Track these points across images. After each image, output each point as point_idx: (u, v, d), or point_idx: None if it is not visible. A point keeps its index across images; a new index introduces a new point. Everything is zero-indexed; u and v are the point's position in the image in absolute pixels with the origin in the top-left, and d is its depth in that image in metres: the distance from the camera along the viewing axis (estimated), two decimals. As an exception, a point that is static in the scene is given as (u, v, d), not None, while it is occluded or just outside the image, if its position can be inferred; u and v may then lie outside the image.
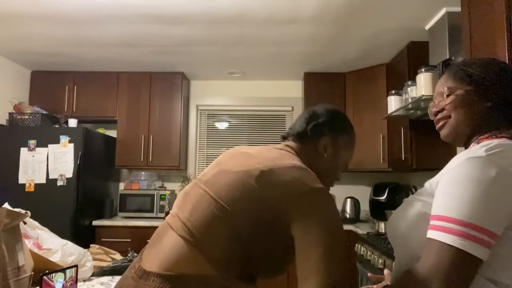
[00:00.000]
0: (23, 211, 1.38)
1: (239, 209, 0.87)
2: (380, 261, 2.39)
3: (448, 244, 0.73)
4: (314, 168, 1.02)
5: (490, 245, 0.72)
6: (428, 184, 0.87)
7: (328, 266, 0.82)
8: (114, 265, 1.82)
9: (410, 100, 2.55)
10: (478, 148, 0.79)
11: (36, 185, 3.24)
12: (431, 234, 0.76)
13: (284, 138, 1.15)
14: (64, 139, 3.29)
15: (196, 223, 0.88)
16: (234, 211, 0.87)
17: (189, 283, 0.83)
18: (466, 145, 0.91)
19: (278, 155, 0.98)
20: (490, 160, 0.75)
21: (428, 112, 1.01)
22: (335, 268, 0.83)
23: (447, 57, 2.37)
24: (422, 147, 2.85)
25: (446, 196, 0.77)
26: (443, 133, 0.94)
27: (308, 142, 1.09)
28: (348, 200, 3.73)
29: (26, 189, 3.24)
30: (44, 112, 3.62)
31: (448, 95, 0.92)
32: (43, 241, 1.66)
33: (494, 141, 0.82)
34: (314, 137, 1.09)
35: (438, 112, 0.95)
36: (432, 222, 0.77)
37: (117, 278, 1.72)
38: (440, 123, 0.94)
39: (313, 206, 0.87)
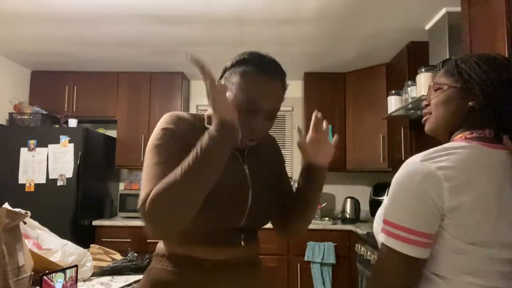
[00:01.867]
0: (23, 211, 1.38)
1: None
2: (380, 261, 2.39)
3: (389, 247, 0.80)
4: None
5: (425, 244, 0.78)
6: None
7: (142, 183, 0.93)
8: (114, 265, 1.82)
9: (410, 100, 2.55)
10: (422, 153, 0.83)
11: (36, 185, 3.24)
12: (380, 235, 0.85)
13: None
14: (64, 139, 3.29)
15: None
16: None
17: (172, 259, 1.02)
18: (450, 141, 0.92)
19: None
20: (421, 165, 0.80)
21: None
22: (145, 183, 0.91)
23: (447, 57, 2.37)
24: (422, 147, 2.83)
25: (387, 199, 0.85)
26: (425, 127, 0.97)
27: None
28: (348, 200, 3.73)
29: (26, 189, 3.24)
30: (44, 112, 3.62)
31: (435, 90, 0.93)
32: (43, 241, 1.66)
33: (448, 144, 0.85)
34: None
35: (427, 105, 0.97)
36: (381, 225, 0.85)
37: (117, 278, 1.73)
38: (425, 117, 0.98)
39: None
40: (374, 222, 0.98)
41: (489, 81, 0.84)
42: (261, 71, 0.96)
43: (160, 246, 1.06)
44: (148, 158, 0.97)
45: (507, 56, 1.49)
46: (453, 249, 0.78)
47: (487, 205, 0.77)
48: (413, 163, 0.82)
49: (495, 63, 0.86)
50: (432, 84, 0.95)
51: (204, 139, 0.83)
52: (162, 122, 1.00)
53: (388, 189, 3.17)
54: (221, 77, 1.05)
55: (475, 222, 0.77)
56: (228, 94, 0.93)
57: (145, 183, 0.91)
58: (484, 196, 0.77)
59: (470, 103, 0.86)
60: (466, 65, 0.88)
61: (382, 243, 0.83)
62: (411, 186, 0.80)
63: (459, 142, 0.85)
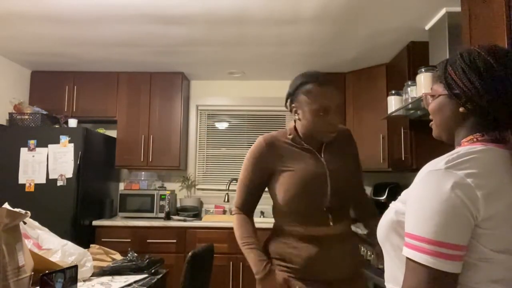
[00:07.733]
0: (23, 211, 1.38)
1: None
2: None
3: (423, 265, 0.73)
4: (303, 131, 1.44)
5: (461, 258, 0.73)
6: (404, 192, 0.88)
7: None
8: (114, 265, 1.82)
9: (410, 100, 2.55)
10: (442, 159, 0.78)
11: (36, 185, 3.24)
12: (406, 252, 0.77)
13: None
14: (64, 139, 3.29)
15: None
16: None
17: None
18: (455, 143, 0.91)
19: None
20: (447, 172, 0.75)
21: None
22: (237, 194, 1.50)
23: (447, 57, 2.34)
24: (422, 147, 2.85)
25: (413, 213, 0.78)
26: (432, 133, 0.97)
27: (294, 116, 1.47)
28: (348, 200, 3.72)
29: (26, 189, 3.24)
30: (44, 112, 3.62)
31: (431, 96, 0.93)
32: (43, 241, 1.66)
33: (464, 148, 0.81)
34: (292, 111, 1.45)
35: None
36: (406, 239, 0.78)
37: (117, 278, 1.72)
38: (430, 123, 0.97)
39: None
40: (381, 228, 0.93)
41: (473, 89, 0.82)
42: (317, 84, 1.37)
43: (277, 223, 1.47)
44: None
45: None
46: (480, 258, 0.75)
47: None
48: (437, 171, 0.76)
49: (478, 65, 0.83)
50: (428, 90, 0.96)
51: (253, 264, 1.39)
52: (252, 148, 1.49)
53: (388, 190, 3.15)
54: (286, 100, 1.46)
55: (509, 230, 0.74)
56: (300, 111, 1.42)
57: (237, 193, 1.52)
58: None
59: (460, 109, 0.85)
60: (452, 70, 0.87)
61: (410, 261, 0.76)
62: (440, 196, 0.73)
63: (476, 146, 0.81)
